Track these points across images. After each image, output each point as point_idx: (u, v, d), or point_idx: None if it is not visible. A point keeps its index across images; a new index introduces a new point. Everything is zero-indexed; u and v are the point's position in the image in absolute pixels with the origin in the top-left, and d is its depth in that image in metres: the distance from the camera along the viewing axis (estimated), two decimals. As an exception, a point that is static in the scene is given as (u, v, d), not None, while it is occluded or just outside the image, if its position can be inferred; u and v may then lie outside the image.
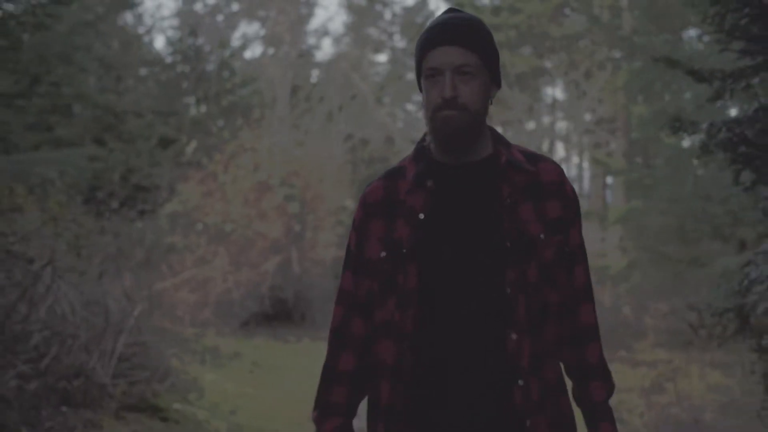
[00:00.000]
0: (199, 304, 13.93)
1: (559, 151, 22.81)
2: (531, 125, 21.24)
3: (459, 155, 2.21)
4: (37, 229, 7.43)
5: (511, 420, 2.12)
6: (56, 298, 6.53)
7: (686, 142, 11.40)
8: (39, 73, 10.10)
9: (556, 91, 23.35)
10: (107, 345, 6.69)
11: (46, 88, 10.96)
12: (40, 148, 10.95)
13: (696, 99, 10.69)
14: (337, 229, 15.97)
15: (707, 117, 7.26)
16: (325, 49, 33.53)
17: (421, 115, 24.80)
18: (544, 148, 21.62)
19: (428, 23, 2.26)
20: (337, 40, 28.89)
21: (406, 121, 25.29)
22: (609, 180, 19.37)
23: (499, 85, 2.25)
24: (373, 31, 28.61)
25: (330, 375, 2.29)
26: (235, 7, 23.48)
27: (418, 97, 25.29)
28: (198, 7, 21.89)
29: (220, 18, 22.57)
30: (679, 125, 4.32)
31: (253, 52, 33.33)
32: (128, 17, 19.31)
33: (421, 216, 2.19)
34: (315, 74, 24.12)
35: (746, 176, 4.27)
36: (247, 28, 31.51)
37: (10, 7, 7.02)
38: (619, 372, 8.84)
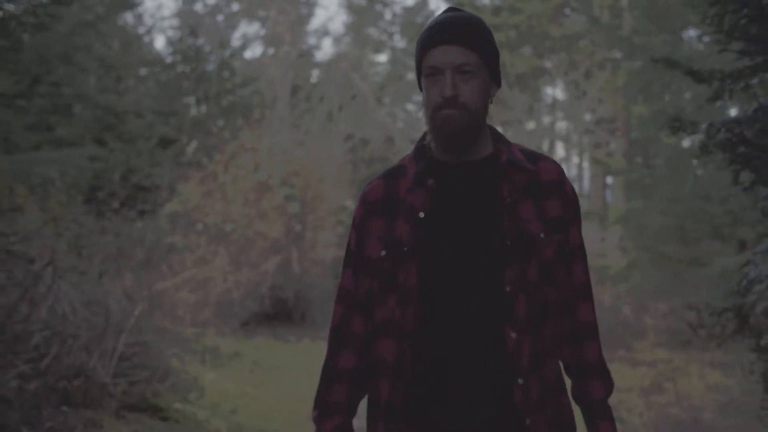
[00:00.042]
0: (199, 304, 13.94)
1: (559, 151, 22.83)
2: (531, 125, 21.25)
3: (459, 154, 2.22)
4: (37, 229, 7.44)
5: (511, 419, 2.13)
6: (57, 298, 6.53)
7: (686, 142, 11.41)
8: (39, 73, 10.11)
9: (556, 91, 23.38)
10: (108, 345, 6.69)
11: (47, 88, 10.97)
12: (41, 148, 10.96)
13: (696, 99, 10.70)
14: (338, 229, 15.98)
15: (707, 117, 7.26)
16: (326, 49, 33.59)
17: (421, 114, 24.81)
18: (544, 148, 21.63)
19: (428, 22, 2.26)
20: (337, 40, 28.91)
21: (406, 121, 25.30)
22: (609, 180, 19.38)
23: (499, 84, 2.25)
24: (373, 31, 28.62)
25: (330, 374, 2.29)
26: (235, 7, 23.48)
27: (418, 97, 25.32)
28: (198, 7, 21.90)
29: (220, 18, 22.58)
30: (678, 125, 4.33)
31: (254, 52, 33.35)
32: (128, 17, 19.33)
33: (422, 215, 2.19)
34: (315, 74, 24.13)
35: (745, 176, 4.29)
36: (248, 28, 31.53)
37: (10, 7, 7.03)
38: (618, 372, 8.85)
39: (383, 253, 2.21)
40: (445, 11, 2.25)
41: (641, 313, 13.43)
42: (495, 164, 2.22)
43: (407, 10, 28.32)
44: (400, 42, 27.87)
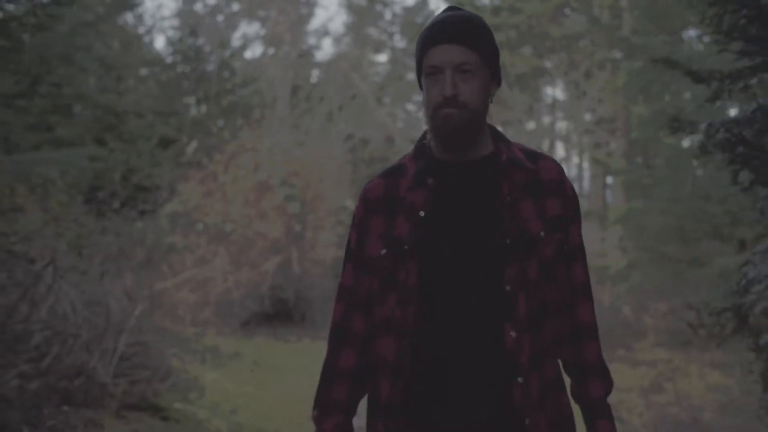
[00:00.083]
0: (199, 304, 13.95)
1: (559, 151, 22.82)
2: (531, 125, 21.26)
3: (459, 153, 2.22)
4: (38, 229, 7.44)
5: (511, 418, 2.13)
6: (57, 298, 6.54)
7: (686, 143, 11.41)
8: (40, 73, 10.11)
9: (556, 91, 23.39)
10: (108, 344, 6.71)
11: (47, 88, 10.97)
12: (41, 148, 10.96)
13: (696, 99, 10.71)
14: (338, 229, 15.99)
15: (707, 117, 7.26)
16: (326, 49, 33.61)
17: (421, 114, 24.82)
18: (544, 148, 21.63)
19: (429, 21, 2.27)
20: (337, 40, 28.92)
21: (406, 121, 25.31)
22: (609, 180, 19.38)
23: (499, 83, 2.26)
24: (373, 31, 28.62)
25: (330, 372, 2.29)
26: (235, 7, 23.49)
27: (418, 97, 25.31)
28: (198, 7, 21.91)
29: (220, 18, 22.59)
30: (677, 125, 4.34)
31: (254, 52, 33.33)
32: (129, 17, 19.32)
33: (422, 213, 2.20)
34: (315, 74, 24.13)
35: (744, 176, 4.29)
36: (248, 28, 31.51)
37: (10, 8, 7.04)
38: (618, 371, 8.86)
39: (383, 251, 2.21)
40: (446, 10, 2.26)
41: (641, 313, 13.44)
42: (495, 163, 2.23)
43: (407, 10, 28.33)
44: (400, 42, 27.89)
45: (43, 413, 5.71)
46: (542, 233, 2.19)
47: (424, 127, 2.30)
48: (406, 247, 2.18)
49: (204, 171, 15.59)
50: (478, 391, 2.13)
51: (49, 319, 6.39)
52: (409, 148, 2.37)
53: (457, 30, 2.17)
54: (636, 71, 12.33)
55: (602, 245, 16.31)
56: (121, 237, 11.63)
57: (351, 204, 16.80)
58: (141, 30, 20.09)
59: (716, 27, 4.16)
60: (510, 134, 18.79)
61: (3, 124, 8.34)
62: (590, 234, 14.28)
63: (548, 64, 20.86)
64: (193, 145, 17.39)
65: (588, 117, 19.75)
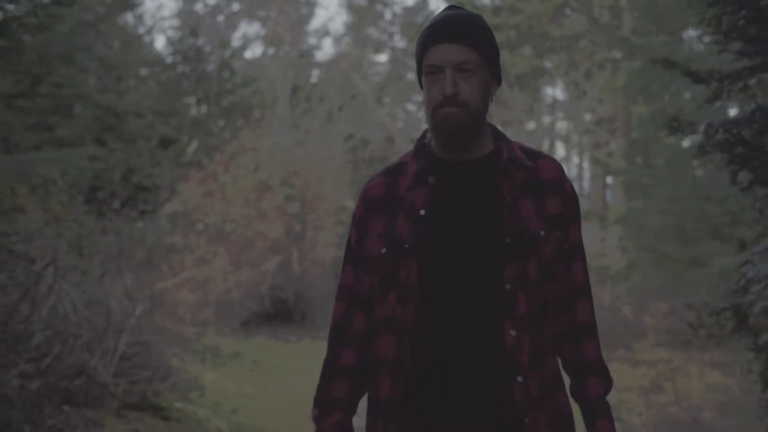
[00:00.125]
0: (199, 304, 13.96)
1: (559, 151, 22.83)
2: (531, 125, 21.27)
3: (460, 152, 2.22)
4: (39, 229, 7.45)
5: (511, 417, 2.13)
6: (58, 298, 6.55)
7: (686, 143, 11.42)
8: (40, 73, 10.13)
9: (556, 91, 23.39)
10: (109, 344, 6.72)
11: (48, 88, 10.99)
12: (42, 148, 10.98)
13: (696, 99, 10.71)
14: (338, 228, 15.99)
15: (707, 117, 7.28)
16: (326, 49, 33.62)
17: (421, 114, 24.83)
18: (544, 148, 21.64)
19: (429, 20, 2.27)
20: (337, 40, 28.92)
21: (406, 121, 25.31)
22: (609, 180, 19.38)
23: (499, 82, 2.26)
24: (373, 31, 28.63)
25: (330, 371, 2.29)
26: (235, 7, 23.49)
27: (419, 97, 25.30)
28: (198, 7, 21.92)
29: (220, 18, 22.60)
30: (676, 126, 4.35)
31: (254, 52, 33.37)
32: (129, 18, 19.34)
33: (422, 212, 2.20)
34: (315, 74, 24.13)
35: (743, 176, 4.31)
36: (248, 28, 31.53)
37: (11, 8, 7.05)
38: (618, 371, 8.86)
39: (384, 250, 2.21)
40: (446, 9, 2.25)
41: (641, 313, 13.45)
42: (495, 162, 2.23)
43: (407, 10, 28.33)
44: (400, 42, 27.89)
45: (44, 413, 5.72)
46: (542, 232, 2.19)
47: (424, 126, 2.30)
48: (406, 246, 2.18)
49: (204, 171, 15.60)
50: (478, 390, 2.13)
51: (49, 319, 6.40)
52: (409, 148, 2.37)
53: (458, 29, 2.18)
54: (636, 71, 12.34)
55: (602, 245, 16.32)
56: (121, 237, 11.65)
57: (351, 204, 16.81)
58: (141, 30, 20.11)
59: (715, 27, 4.17)
60: (510, 134, 18.76)
61: (4, 124, 8.36)
62: (590, 234, 14.29)
63: (548, 64, 20.87)
64: (194, 145, 17.41)
65: (588, 117, 19.75)
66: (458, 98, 2.15)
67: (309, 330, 13.94)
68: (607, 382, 2.28)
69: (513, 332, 2.13)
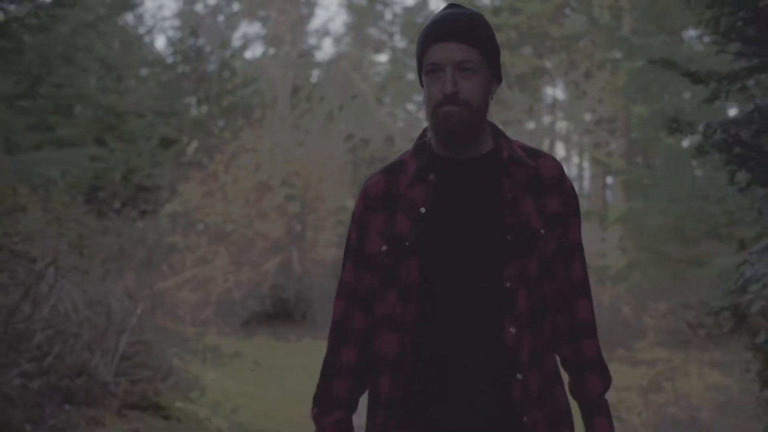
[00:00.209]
0: (200, 304, 13.98)
1: (559, 151, 22.84)
2: (531, 125, 21.28)
3: (460, 150, 2.23)
4: (40, 228, 7.47)
5: (510, 415, 2.13)
6: (59, 297, 6.57)
7: (686, 143, 11.43)
8: (41, 74, 10.16)
9: (556, 91, 23.41)
10: (110, 344, 6.73)
11: (48, 88, 11.02)
12: (42, 149, 11.00)
13: (695, 99, 10.73)
14: (338, 228, 16.01)
15: (707, 117, 7.29)
16: (326, 49, 33.62)
17: (421, 114, 24.83)
18: (545, 148, 21.65)
19: (430, 19, 2.27)
20: (337, 40, 28.92)
21: (406, 121, 25.30)
22: (609, 180, 19.39)
23: (500, 81, 2.26)
24: (373, 31, 28.63)
25: (331, 369, 2.29)
26: (235, 7, 23.49)
27: (419, 97, 25.28)
28: (199, 7, 21.91)
29: (220, 18, 22.59)
30: (675, 126, 4.37)
31: (254, 52, 33.35)
32: (129, 18, 19.36)
33: (423, 210, 2.20)
34: (315, 74, 24.13)
35: (741, 177, 4.32)
36: (248, 28, 31.54)
37: (12, 8, 7.06)
38: (618, 371, 8.87)
39: (384, 248, 2.21)
40: (446, 8, 2.26)
41: (641, 313, 13.46)
42: (496, 160, 2.23)
43: (407, 10, 28.33)
44: (400, 42, 27.89)
45: (45, 412, 5.74)
46: (542, 230, 2.19)
47: (425, 126, 2.30)
48: (407, 244, 2.18)
49: (204, 171, 15.62)
50: (478, 390, 2.14)
51: (51, 319, 6.41)
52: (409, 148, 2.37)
53: (458, 28, 2.18)
54: (636, 71, 12.36)
55: (602, 245, 16.33)
56: (122, 237, 11.67)
57: (351, 204, 16.81)
58: (141, 30, 20.13)
59: (714, 28, 4.19)
60: (510, 134, 18.62)
61: (5, 124, 8.38)
62: (590, 234, 14.30)
63: (548, 64, 20.88)
64: (194, 145, 17.42)
65: (588, 117, 19.76)
66: (459, 97, 2.15)
67: (309, 330, 13.95)
68: (606, 380, 2.28)
69: (513, 330, 2.13)
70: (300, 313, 15.06)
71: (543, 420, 2.15)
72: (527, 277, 2.16)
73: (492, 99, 2.25)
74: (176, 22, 21.40)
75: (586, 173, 22.41)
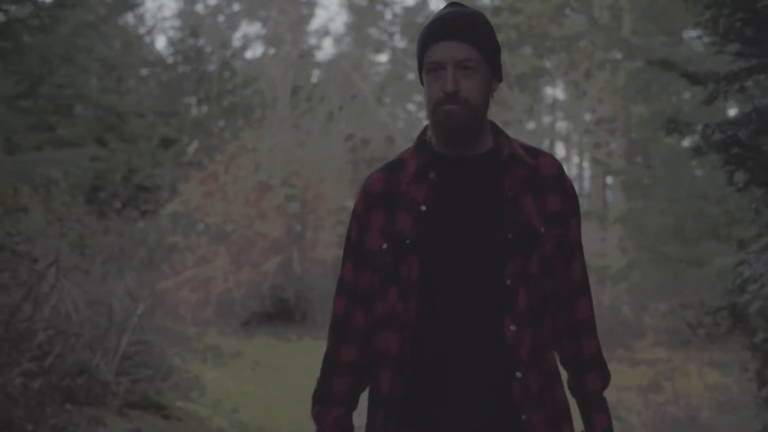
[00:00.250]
0: (200, 304, 14.00)
1: (559, 151, 22.86)
2: (531, 125, 21.30)
3: (460, 149, 2.23)
4: (41, 229, 7.49)
5: (511, 415, 2.14)
6: (60, 297, 6.59)
7: (686, 143, 11.44)
8: (41, 74, 10.16)
9: (556, 91, 23.43)
10: (111, 343, 6.75)
11: (49, 89, 11.03)
12: (43, 149, 11.01)
13: (695, 99, 10.74)
14: (338, 228, 16.02)
15: (708, 117, 7.31)
16: (326, 49, 33.62)
17: (421, 114, 24.85)
18: (544, 147, 21.65)
19: (431, 17, 2.27)
20: (337, 40, 28.95)
21: (406, 121, 25.31)
22: (609, 180, 19.40)
23: (500, 79, 2.26)
24: (373, 31, 28.63)
25: (331, 366, 2.29)
26: (236, 7, 23.51)
27: (419, 97, 25.29)
28: (199, 7, 21.93)
29: (221, 18, 22.60)
30: (673, 126, 4.39)
31: (254, 52, 33.34)
32: (130, 18, 19.38)
33: (423, 208, 2.20)
34: (316, 74, 24.14)
35: (740, 177, 4.34)
36: (248, 28, 31.54)
37: (13, 9, 7.08)
38: (617, 371, 8.89)
39: (385, 246, 2.21)
40: (447, 6, 2.26)
41: (641, 313, 13.47)
42: (496, 158, 2.23)
43: (408, 10, 28.33)
44: (400, 42, 27.89)
45: (46, 411, 5.75)
46: (542, 229, 2.20)
47: (425, 124, 2.30)
48: (407, 242, 2.18)
49: (205, 171, 15.64)
50: (478, 390, 2.14)
51: (52, 318, 6.43)
52: (410, 148, 2.38)
53: (459, 26, 2.18)
54: (635, 71, 12.38)
55: (602, 245, 16.33)
56: (123, 237, 11.69)
57: (351, 204, 16.82)
58: (142, 30, 20.15)
59: (712, 29, 4.21)
60: (510, 134, 18.65)
61: (5, 125, 8.39)
62: (590, 234, 14.32)
63: (548, 64, 20.90)
64: (194, 145, 17.44)
65: (588, 117, 19.78)
66: (459, 95, 2.15)
67: (309, 329, 13.97)
68: (605, 378, 2.29)
69: (513, 327, 2.13)
70: (300, 312, 15.07)
71: (542, 419, 2.15)
72: (528, 276, 2.16)
73: (493, 97, 2.25)
74: (177, 23, 21.43)
75: (586, 173, 22.43)
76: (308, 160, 16.39)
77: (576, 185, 20.91)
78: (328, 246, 15.76)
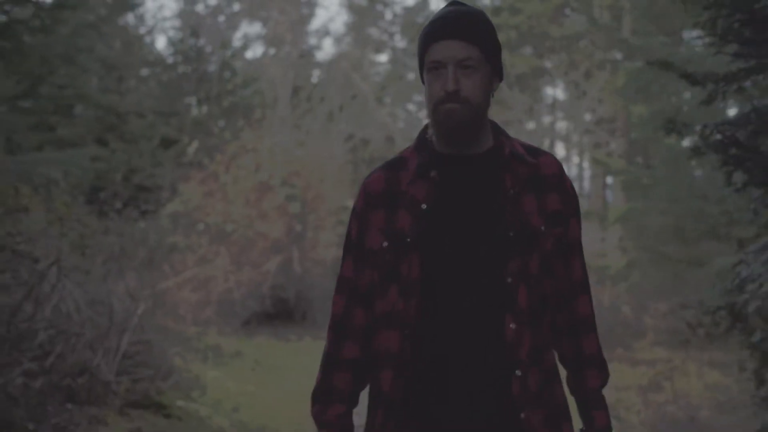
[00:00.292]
0: (201, 303, 14.01)
1: (559, 151, 22.87)
2: (531, 125, 21.31)
3: (461, 148, 2.23)
4: (42, 229, 7.50)
5: (510, 415, 2.14)
6: (61, 297, 6.60)
7: (686, 143, 11.46)
8: (42, 74, 10.16)
9: (556, 91, 23.44)
10: (111, 343, 6.77)
11: (49, 89, 11.02)
12: (43, 149, 11.02)
13: (695, 100, 10.75)
14: (338, 228, 16.03)
15: (707, 117, 7.33)
16: (326, 49, 33.62)
17: (421, 114, 24.85)
18: (544, 147, 21.65)
19: (431, 16, 2.27)
20: (338, 40, 28.97)
21: (406, 121, 25.32)
22: (609, 180, 19.41)
23: (501, 78, 2.26)
24: (373, 31, 28.64)
25: (332, 363, 2.28)
26: (236, 7, 23.52)
27: (419, 97, 25.31)
28: (199, 7, 21.94)
29: (221, 18, 22.61)
30: (672, 126, 4.41)
31: (255, 52, 33.36)
32: (130, 18, 19.39)
33: (424, 206, 2.19)
34: (316, 74, 24.15)
35: (738, 177, 4.35)
36: (249, 28, 31.57)
37: (14, 10, 7.10)
38: (617, 371, 8.91)
39: (385, 244, 2.21)
40: (448, 5, 2.26)
41: (641, 313, 13.48)
42: (497, 157, 2.24)
43: (408, 10, 28.35)
44: (400, 42, 27.91)
45: (47, 410, 5.77)
46: (543, 228, 2.20)
47: (425, 122, 2.31)
48: (408, 240, 2.18)
49: (205, 171, 15.65)
50: (478, 390, 2.14)
51: (53, 318, 6.45)
52: (410, 148, 2.38)
53: (459, 25, 2.18)
54: (635, 72, 12.39)
55: (602, 245, 16.35)
56: (123, 237, 11.69)
57: (352, 204, 16.81)
58: (142, 30, 20.16)
59: (711, 30, 4.22)
60: (510, 134, 18.68)
61: (6, 125, 8.40)
62: (590, 234, 14.32)
63: (548, 64, 20.92)
64: (195, 145, 17.45)
65: (588, 117, 19.79)
66: (460, 94, 2.15)
67: (310, 329, 13.98)
68: (604, 375, 2.30)
69: (513, 325, 2.14)
70: (300, 312, 15.09)
71: (541, 417, 2.16)
72: (528, 274, 2.17)
73: (493, 96, 2.25)
74: (177, 23, 21.43)
75: (586, 173, 22.44)
76: (308, 160, 16.40)
77: (576, 185, 20.91)
78: (329, 246, 15.77)
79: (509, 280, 2.15)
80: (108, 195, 13.25)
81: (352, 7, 28.33)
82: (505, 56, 18.07)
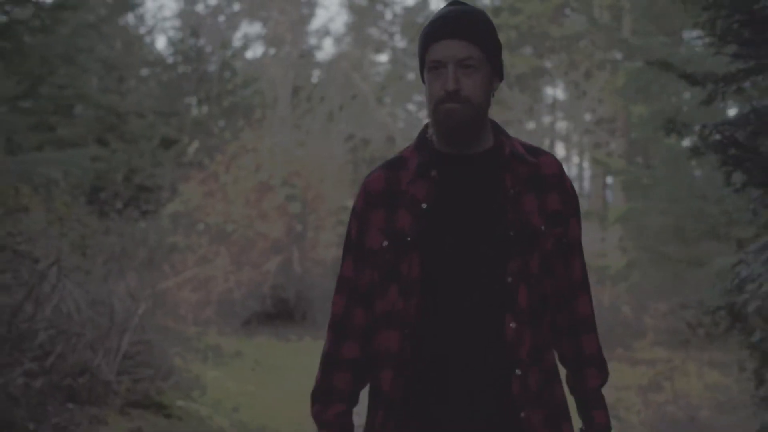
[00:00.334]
0: (201, 303, 14.02)
1: (559, 151, 22.87)
2: (531, 125, 21.32)
3: (462, 147, 2.23)
4: (43, 229, 7.51)
5: (510, 414, 2.14)
6: (62, 297, 6.61)
7: (686, 143, 11.46)
8: (42, 74, 10.17)
9: (556, 91, 23.45)
10: (112, 343, 6.78)
11: (49, 89, 11.03)
12: (44, 149, 11.02)
13: (695, 100, 10.76)
14: (338, 228, 16.04)
15: (707, 117, 7.34)
16: (327, 49, 33.63)
17: (421, 114, 24.86)
18: (545, 147, 21.66)
19: (432, 16, 2.27)
20: (338, 40, 28.97)
21: (407, 121, 25.32)
22: (609, 180, 19.42)
23: (501, 78, 2.26)
24: (374, 31, 28.65)
25: (332, 362, 2.28)
26: (236, 7, 23.52)
27: (419, 97, 25.31)
28: (199, 7, 21.95)
29: (221, 18, 22.62)
30: (672, 126, 4.41)
31: (255, 52, 33.37)
32: (130, 18, 19.40)
33: (424, 206, 2.19)
34: (316, 74, 24.16)
35: (737, 177, 4.36)
36: (249, 28, 31.58)
37: (14, 11, 7.10)
38: (617, 370, 8.92)
39: (385, 243, 2.21)
40: (449, 4, 2.26)
41: (641, 313, 13.49)
42: (497, 156, 2.24)
43: (408, 10, 28.35)
44: (400, 42, 27.91)
45: (48, 410, 5.78)
46: (543, 227, 2.20)
47: (425, 122, 2.31)
48: (408, 239, 2.18)
49: (205, 171, 15.66)
50: (478, 390, 2.14)
51: (53, 318, 6.46)
52: (410, 148, 2.38)
53: (460, 25, 2.18)
54: (635, 72, 12.40)
55: (602, 245, 16.35)
56: (123, 237, 11.70)
57: (351, 204, 16.81)
58: (142, 31, 20.17)
59: (710, 30, 4.23)
60: (510, 134, 18.68)
61: (6, 125, 8.41)
62: (590, 234, 14.33)
63: (548, 64, 20.92)
64: (195, 145, 17.46)
65: (588, 117, 19.80)
66: (460, 94, 2.15)
67: (310, 329, 13.99)
68: (603, 374, 2.30)
69: (513, 325, 2.14)
70: (300, 312, 15.10)
71: (541, 417, 2.16)
72: (529, 274, 2.17)
73: (494, 96, 2.26)
74: (177, 23, 21.44)
75: (586, 173, 22.45)
76: (308, 160, 16.41)
77: (576, 185, 20.90)
78: (329, 246, 15.78)
79: (509, 279, 2.16)
80: (108, 195, 13.26)
81: (352, 7, 28.33)
82: (505, 56, 18.06)
